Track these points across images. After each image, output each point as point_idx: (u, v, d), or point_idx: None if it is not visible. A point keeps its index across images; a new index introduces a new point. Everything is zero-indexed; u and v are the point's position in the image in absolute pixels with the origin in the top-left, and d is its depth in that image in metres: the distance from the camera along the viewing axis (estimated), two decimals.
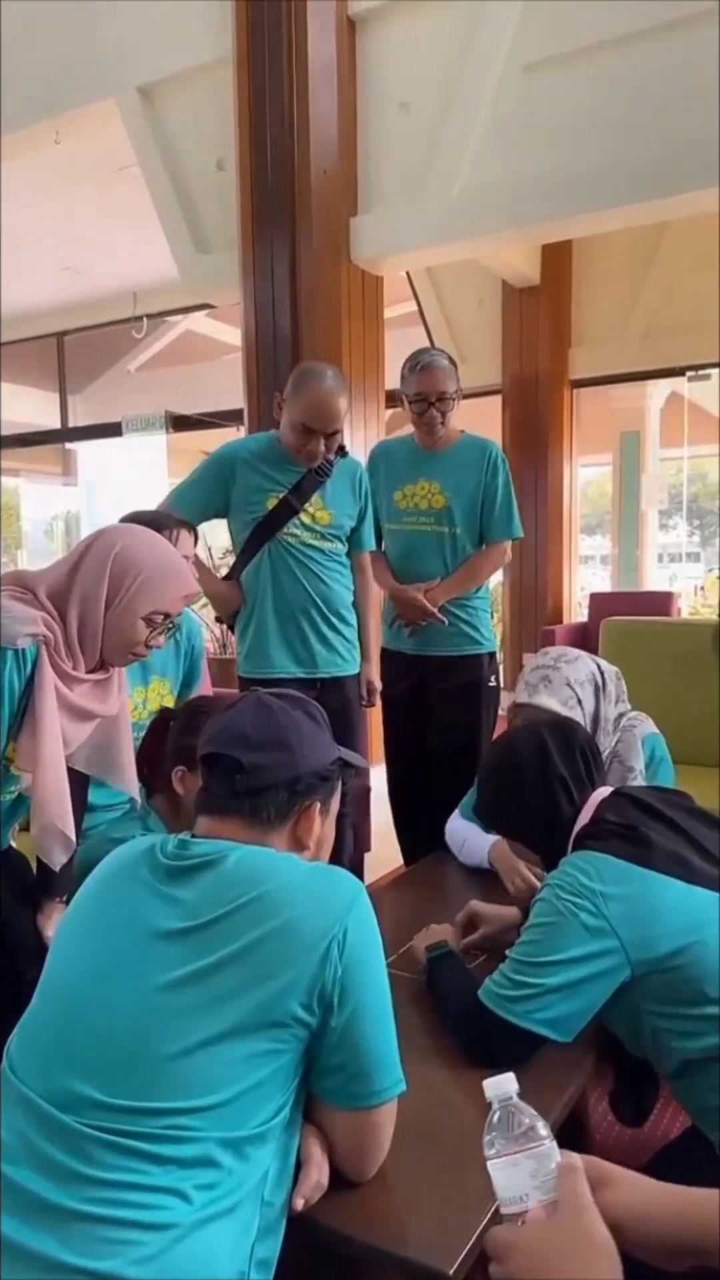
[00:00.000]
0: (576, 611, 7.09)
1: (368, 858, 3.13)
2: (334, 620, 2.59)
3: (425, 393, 2.70)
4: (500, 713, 3.36)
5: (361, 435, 3.92)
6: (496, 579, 7.14)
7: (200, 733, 1.95)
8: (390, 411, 4.55)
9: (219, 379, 7.51)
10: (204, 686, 2.41)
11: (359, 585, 2.71)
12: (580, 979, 1.23)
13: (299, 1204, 0.99)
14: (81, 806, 1.73)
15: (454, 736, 2.87)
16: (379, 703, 2.91)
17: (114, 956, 1.03)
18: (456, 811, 2.22)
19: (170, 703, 2.23)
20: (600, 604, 6.45)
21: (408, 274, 6.54)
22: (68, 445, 9.86)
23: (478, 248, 4.64)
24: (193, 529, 2.32)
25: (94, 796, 1.88)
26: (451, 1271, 0.94)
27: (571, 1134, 1.62)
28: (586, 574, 9.58)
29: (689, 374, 6.67)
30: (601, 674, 1.92)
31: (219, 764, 1.14)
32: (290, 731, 1.16)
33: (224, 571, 2.80)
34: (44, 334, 8.82)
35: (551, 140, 3.48)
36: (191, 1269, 0.87)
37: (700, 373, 6.59)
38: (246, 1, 3.72)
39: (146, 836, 1.17)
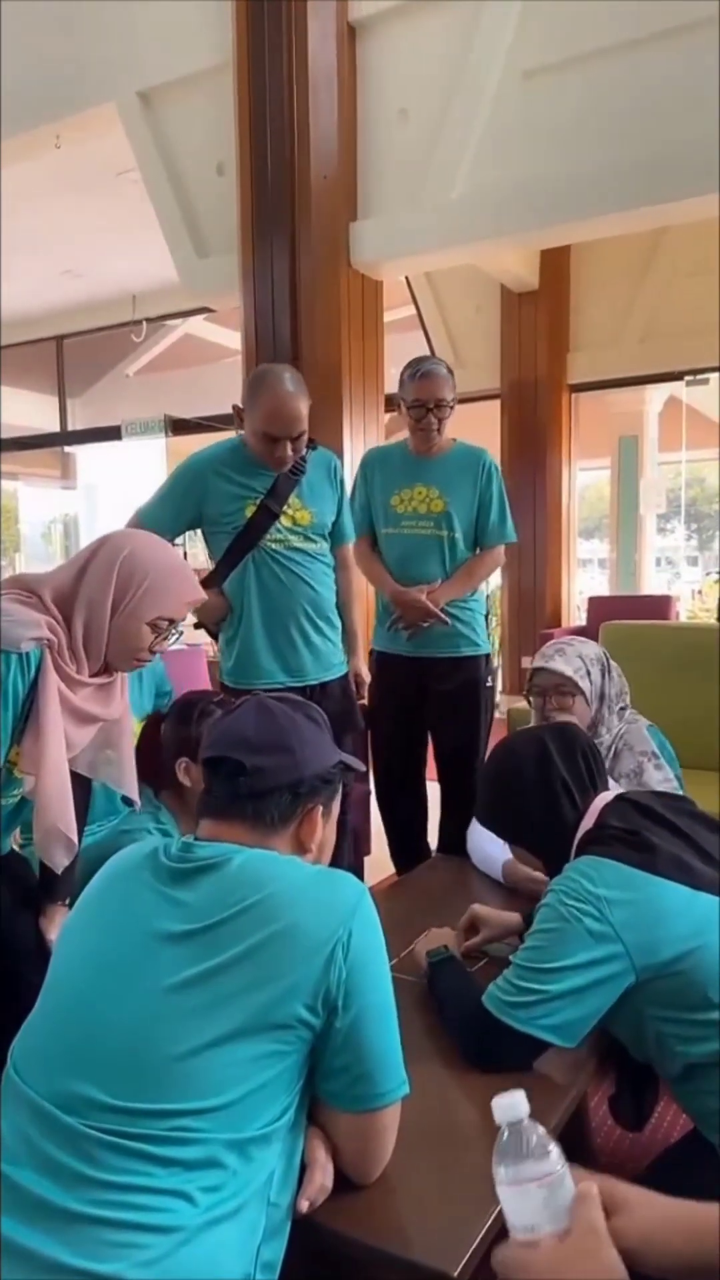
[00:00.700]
0: (575, 615, 7.11)
1: (367, 861, 3.13)
2: (322, 625, 2.57)
3: (423, 399, 2.73)
4: (499, 716, 3.37)
5: (361, 439, 3.93)
6: (494, 582, 7.18)
7: (193, 721, 1.96)
8: (389, 415, 4.56)
9: (218, 382, 7.52)
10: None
11: (342, 580, 2.68)
12: (585, 984, 1.24)
13: (304, 1206, 0.99)
14: (84, 810, 1.73)
15: (454, 737, 2.88)
16: (367, 695, 2.90)
17: (118, 959, 1.03)
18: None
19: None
20: (599, 608, 6.46)
21: (406, 279, 6.56)
22: (66, 448, 9.86)
23: (476, 253, 4.66)
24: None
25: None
26: (456, 1274, 0.94)
27: (573, 1137, 1.62)
28: (584, 578, 9.59)
29: (687, 378, 6.70)
30: (607, 659, 2.08)
31: (222, 767, 1.14)
32: (293, 734, 1.16)
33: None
34: (43, 337, 8.84)
35: (550, 146, 3.50)
36: (197, 1271, 0.87)
37: (698, 377, 6.62)
38: (247, 7, 3.73)
39: (150, 839, 1.17)
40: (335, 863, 1.21)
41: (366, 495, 2.89)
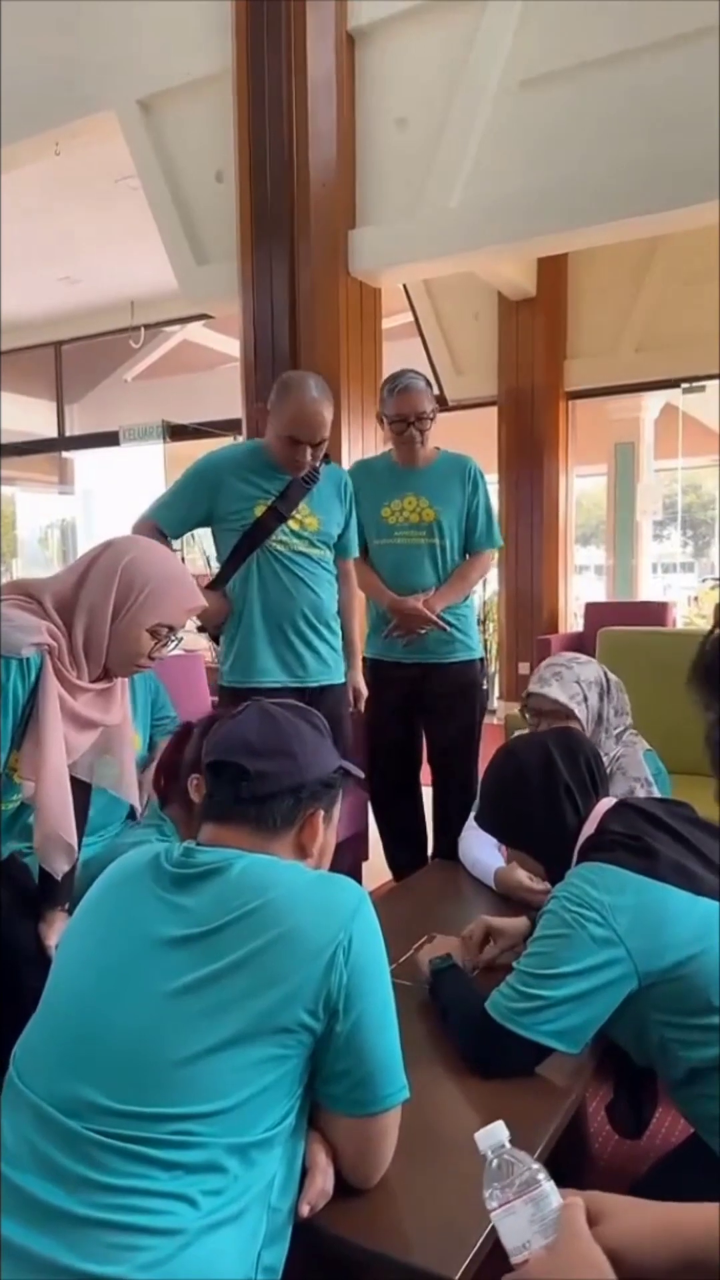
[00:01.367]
0: (572, 621, 7.11)
1: (364, 866, 3.14)
2: (322, 629, 2.60)
3: (404, 413, 2.78)
4: (496, 722, 3.38)
5: (359, 446, 3.94)
6: (491, 588, 7.19)
7: None
8: None
9: (216, 388, 7.53)
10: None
11: (344, 593, 2.73)
12: (588, 990, 1.24)
13: (304, 1210, 1.00)
14: (84, 815, 1.73)
15: (450, 739, 2.91)
16: (364, 709, 2.92)
17: (120, 963, 1.03)
18: (469, 824, 2.22)
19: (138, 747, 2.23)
20: (596, 614, 6.46)
21: (404, 286, 6.58)
22: (64, 454, 9.86)
23: (474, 261, 4.67)
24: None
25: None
26: (456, 1278, 0.94)
27: (570, 1143, 1.62)
28: (581, 583, 9.61)
29: (684, 386, 6.72)
30: (607, 680, 2.04)
31: (224, 771, 1.14)
32: (294, 739, 1.17)
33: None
34: (42, 343, 8.84)
35: (548, 155, 3.52)
36: (198, 1274, 0.87)
37: (695, 385, 6.64)
38: (247, 15, 3.75)
39: (151, 845, 1.17)
40: (333, 868, 1.22)
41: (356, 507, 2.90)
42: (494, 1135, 0.83)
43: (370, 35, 3.83)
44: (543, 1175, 0.81)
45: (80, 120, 4.33)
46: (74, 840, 1.58)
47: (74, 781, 1.61)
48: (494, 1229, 0.82)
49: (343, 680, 2.70)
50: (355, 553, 2.80)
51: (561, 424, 6.86)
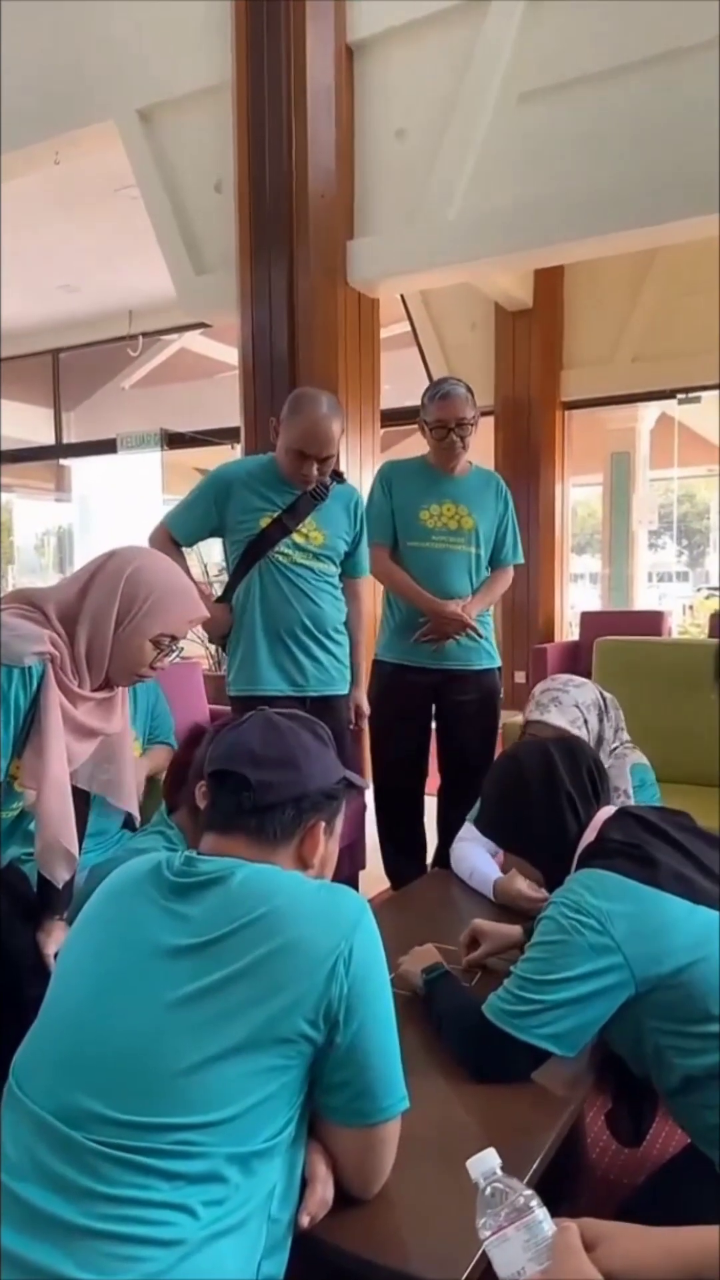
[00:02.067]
0: (568, 630, 7.13)
1: (362, 875, 3.13)
2: (323, 640, 2.61)
3: (445, 419, 2.78)
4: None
5: (357, 454, 3.95)
6: None
7: None
8: (384, 430, 4.59)
9: (214, 397, 7.56)
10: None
11: (351, 611, 2.75)
12: (584, 995, 1.25)
13: (305, 1220, 0.99)
14: (84, 824, 1.73)
15: (468, 748, 2.90)
16: (366, 726, 2.93)
17: (121, 972, 1.03)
18: (462, 834, 2.22)
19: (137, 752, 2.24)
20: (592, 623, 6.48)
21: (402, 296, 6.61)
22: (61, 461, 9.88)
23: (472, 271, 4.70)
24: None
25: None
26: None
27: (568, 1153, 1.62)
28: (576, 592, 9.64)
29: (679, 396, 6.75)
30: (604, 700, 2.06)
31: (226, 781, 1.14)
32: (298, 750, 1.17)
33: (218, 589, 2.82)
34: (40, 350, 8.86)
35: (546, 167, 3.54)
36: None
37: (690, 395, 6.68)
38: (246, 27, 3.78)
39: (152, 855, 1.17)
40: (332, 876, 1.22)
41: (389, 506, 2.88)
42: (485, 1162, 0.83)
43: (370, 47, 3.86)
44: (535, 1202, 0.81)
45: (80, 130, 4.36)
46: (75, 849, 1.58)
47: (74, 790, 1.61)
48: None
49: (345, 692, 2.71)
50: (365, 573, 2.81)
51: (557, 433, 6.89)
